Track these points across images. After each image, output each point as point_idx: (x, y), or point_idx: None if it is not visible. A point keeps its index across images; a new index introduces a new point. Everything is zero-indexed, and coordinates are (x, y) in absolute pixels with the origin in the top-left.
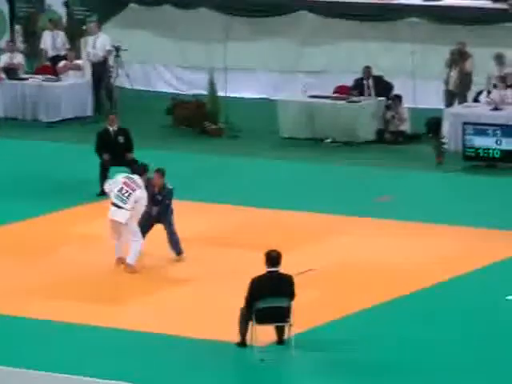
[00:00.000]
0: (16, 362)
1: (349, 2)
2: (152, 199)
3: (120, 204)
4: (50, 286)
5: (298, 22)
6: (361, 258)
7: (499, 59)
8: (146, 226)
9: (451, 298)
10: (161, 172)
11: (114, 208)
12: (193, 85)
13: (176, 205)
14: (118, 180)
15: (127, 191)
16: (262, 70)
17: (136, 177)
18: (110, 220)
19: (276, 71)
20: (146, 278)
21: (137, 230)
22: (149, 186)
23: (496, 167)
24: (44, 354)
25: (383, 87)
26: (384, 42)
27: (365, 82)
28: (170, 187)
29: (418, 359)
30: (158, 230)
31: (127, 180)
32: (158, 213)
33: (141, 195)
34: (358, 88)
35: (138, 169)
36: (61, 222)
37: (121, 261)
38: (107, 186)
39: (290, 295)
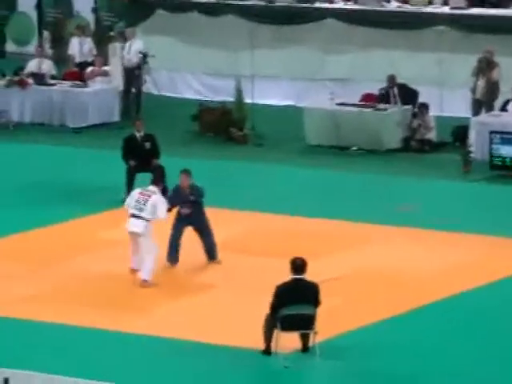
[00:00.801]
0: (36, 365)
1: (374, 10)
2: (185, 201)
3: (138, 213)
4: (73, 291)
5: (323, 30)
6: (385, 266)
7: None
8: (178, 230)
9: (476, 307)
10: (187, 172)
11: (132, 219)
12: (219, 91)
13: None
14: (134, 194)
15: (144, 199)
16: (287, 77)
17: (151, 187)
18: (129, 232)
19: (301, 78)
20: (167, 284)
21: (152, 244)
22: (179, 189)
23: None
24: (62, 358)
25: (408, 94)
26: (410, 50)
27: (390, 90)
28: (200, 186)
29: (442, 370)
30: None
31: (142, 191)
32: (191, 213)
33: (157, 199)
34: (384, 97)
35: (156, 177)
36: (86, 228)
37: (134, 272)
38: (127, 201)
39: (315, 303)
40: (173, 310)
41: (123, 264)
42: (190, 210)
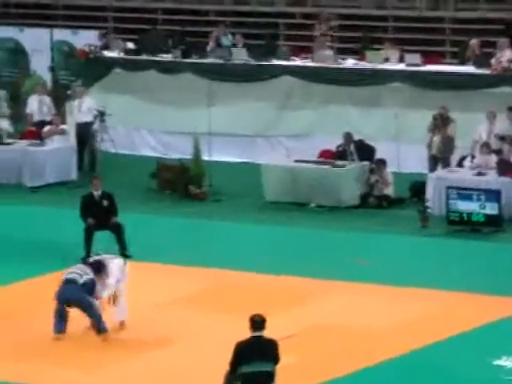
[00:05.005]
0: None
1: (331, 67)
2: None
3: None
4: (26, 349)
5: (280, 87)
6: (342, 323)
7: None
8: None
9: (436, 362)
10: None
11: None
12: (177, 149)
13: (159, 268)
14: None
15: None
16: (244, 134)
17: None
18: None
19: (258, 135)
20: (124, 340)
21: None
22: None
23: (480, 231)
24: None
25: (366, 151)
26: (367, 106)
27: (346, 147)
28: None
29: None
30: (136, 292)
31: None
32: None
33: None
34: (342, 154)
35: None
36: (44, 287)
37: (121, 325)
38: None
39: (275, 360)
40: (128, 367)
41: (80, 322)
42: None
